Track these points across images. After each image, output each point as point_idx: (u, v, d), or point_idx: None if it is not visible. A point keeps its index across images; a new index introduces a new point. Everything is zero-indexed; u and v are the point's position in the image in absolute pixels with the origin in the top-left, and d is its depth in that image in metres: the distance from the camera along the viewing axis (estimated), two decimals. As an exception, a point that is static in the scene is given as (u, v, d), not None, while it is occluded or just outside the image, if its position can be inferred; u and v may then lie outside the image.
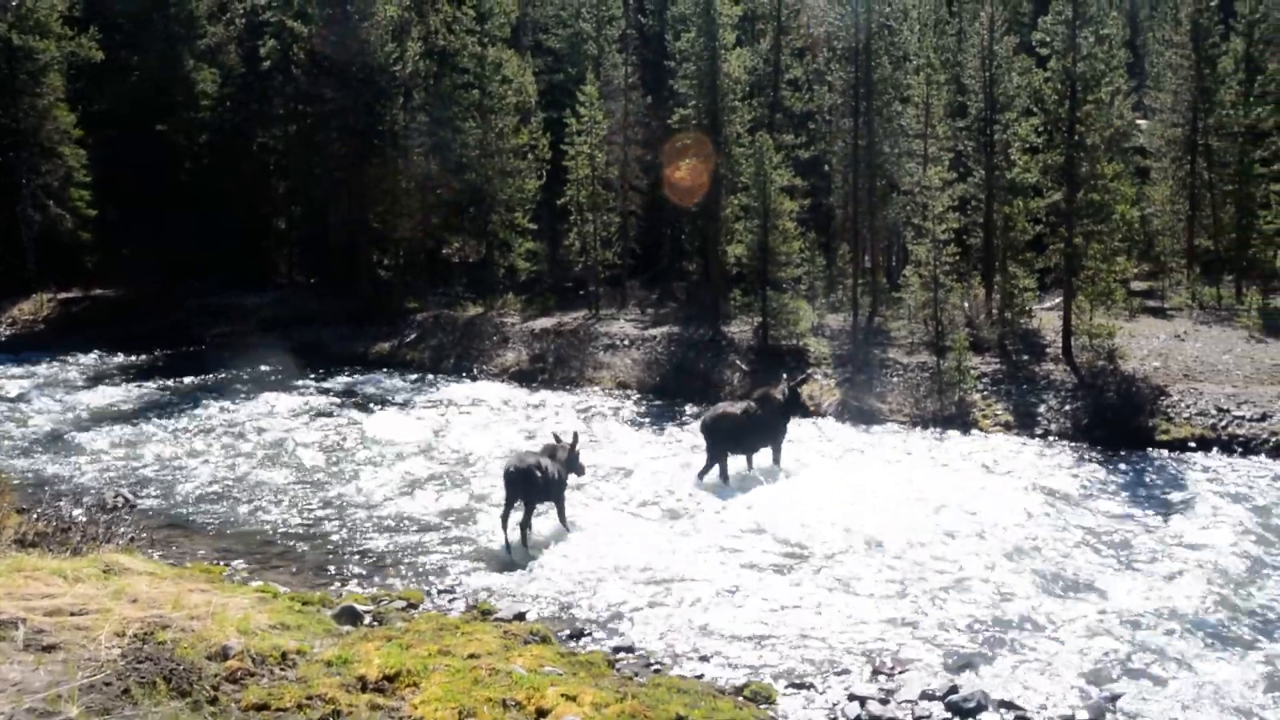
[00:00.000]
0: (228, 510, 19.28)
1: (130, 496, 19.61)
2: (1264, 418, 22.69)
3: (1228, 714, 11.30)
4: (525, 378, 32.71)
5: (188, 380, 32.78)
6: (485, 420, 27.10)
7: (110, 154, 44.14)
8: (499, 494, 19.55)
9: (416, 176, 42.33)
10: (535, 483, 16.86)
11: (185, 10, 47.12)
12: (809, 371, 27.23)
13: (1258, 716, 11.26)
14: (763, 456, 21.57)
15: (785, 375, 23.70)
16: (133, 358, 37.33)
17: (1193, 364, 26.30)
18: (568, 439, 18.41)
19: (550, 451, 17.78)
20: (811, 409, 25.97)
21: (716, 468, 20.60)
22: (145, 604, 11.01)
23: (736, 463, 20.97)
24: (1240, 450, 22.12)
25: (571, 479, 18.29)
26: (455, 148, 41.07)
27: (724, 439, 20.63)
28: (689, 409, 28.01)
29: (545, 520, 17.80)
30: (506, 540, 16.80)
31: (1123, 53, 37.38)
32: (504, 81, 40.67)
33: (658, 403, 29.12)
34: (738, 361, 30.23)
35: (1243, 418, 22.85)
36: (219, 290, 44.77)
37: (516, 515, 16.98)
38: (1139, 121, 41.60)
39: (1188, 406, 23.67)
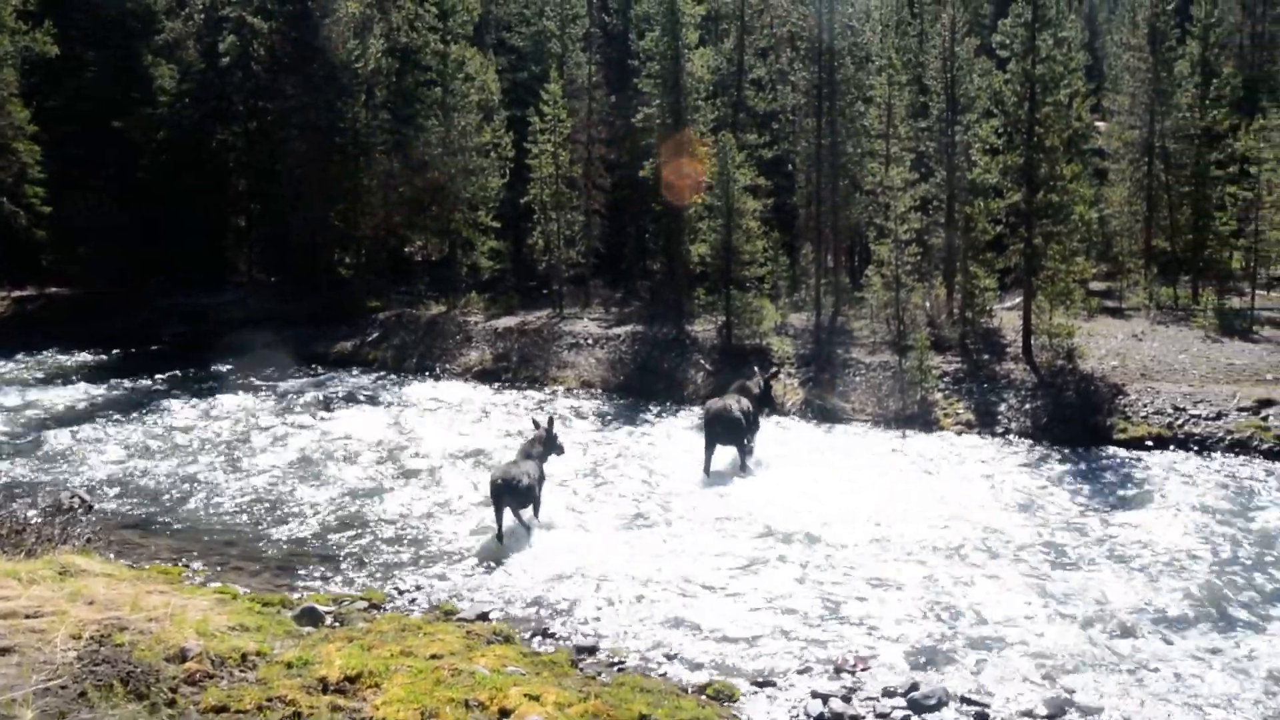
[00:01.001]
0: (187, 511, 19.08)
1: (87, 498, 19.34)
2: (1219, 416, 23.01)
3: (1185, 708, 11.44)
4: (489, 377, 32.60)
5: (146, 380, 32.40)
6: (448, 420, 26.99)
7: (67, 151, 43.52)
8: (460, 491, 19.62)
9: (379, 174, 42.09)
10: (519, 492, 17.14)
11: (143, 5, 46.59)
12: (778, 366, 27.34)
13: (1214, 711, 11.41)
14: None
15: (758, 369, 23.93)
16: (90, 357, 36.87)
17: (1150, 363, 26.63)
18: (545, 424, 18.98)
19: (527, 451, 18.13)
20: (776, 407, 26.03)
21: (715, 459, 21.11)
22: (102, 606, 10.87)
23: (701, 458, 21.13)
24: (1196, 449, 22.41)
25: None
26: (418, 146, 40.91)
27: (722, 433, 21.08)
28: (653, 408, 28.06)
29: (508, 520, 17.80)
30: (499, 533, 16.90)
31: (1081, 55, 37.86)
32: (467, 79, 40.53)
33: (622, 402, 29.11)
34: (701, 361, 30.29)
35: (1199, 416, 23.16)
36: (178, 289, 44.32)
37: (507, 516, 17.14)
38: (1097, 123, 42.07)
39: (1145, 405, 23.96)
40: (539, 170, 37.40)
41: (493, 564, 16.07)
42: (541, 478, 18.01)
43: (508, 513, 17.02)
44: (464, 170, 39.64)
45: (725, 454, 21.53)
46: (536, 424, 19.16)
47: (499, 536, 16.85)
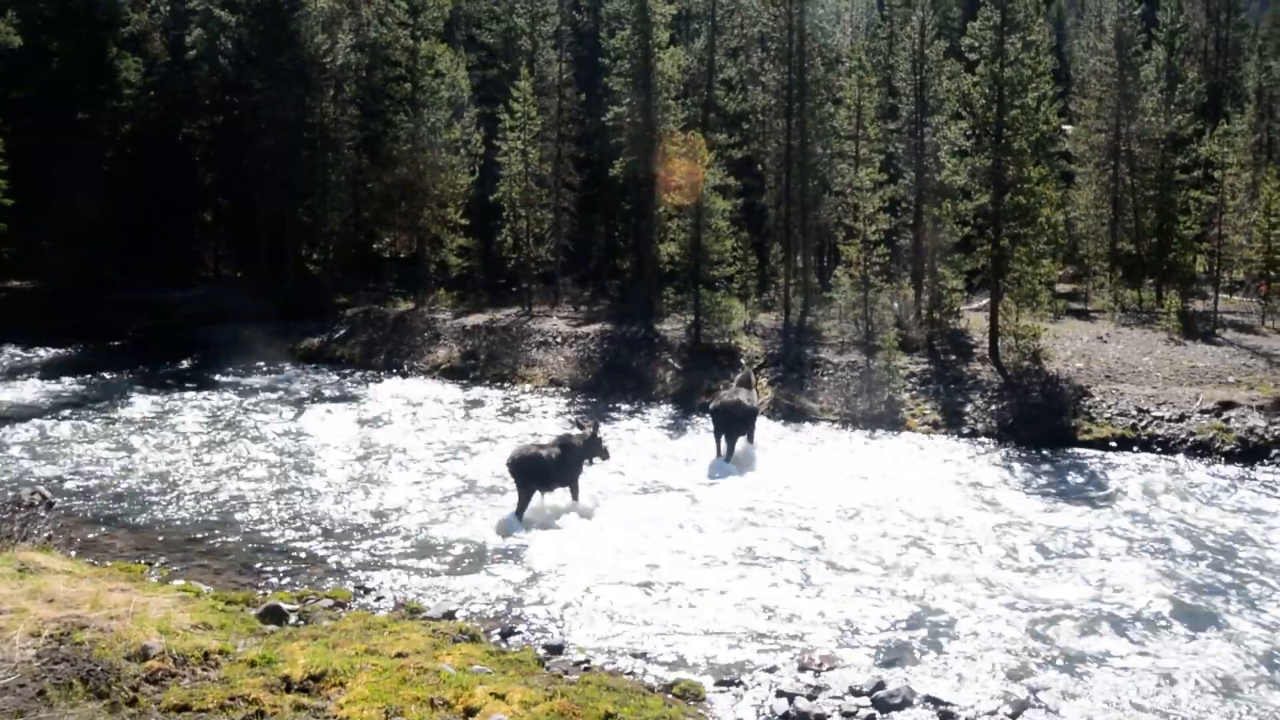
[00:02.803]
0: (150, 508, 18.86)
1: (48, 494, 19.07)
2: (1182, 418, 23.26)
3: (1147, 707, 11.54)
4: (457, 374, 32.47)
5: (109, 376, 32.03)
6: (415, 417, 26.85)
7: (30, 143, 42.90)
8: (426, 489, 19.54)
9: (347, 170, 41.88)
10: (535, 471, 17.94)
11: (107, -4, 46.05)
12: (759, 365, 27.75)
13: (1175, 709, 11.52)
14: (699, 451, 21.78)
15: (744, 363, 24.83)
16: (52, 352, 36.42)
17: (1114, 365, 26.89)
18: (591, 428, 19.74)
19: (563, 441, 18.83)
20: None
21: (694, 453, 22.04)
22: (62, 604, 10.73)
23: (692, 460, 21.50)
24: (1159, 450, 22.64)
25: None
26: (387, 142, 40.71)
27: (730, 425, 21.76)
28: (622, 406, 28.05)
29: (471, 520, 17.79)
30: (520, 513, 17.74)
31: (1049, 59, 38.05)
32: (437, 75, 40.37)
33: (591, 400, 29.05)
34: (670, 360, 30.28)
35: (1162, 418, 23.40)
36: (143, 284, 43.84)
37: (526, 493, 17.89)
38: (1065, 127, 42.43)
39: (1109, 407, 24.18)
40: (509, 167, 37.29)
41: (459, 563, 16.01)
42: (569, 465, 18.51)
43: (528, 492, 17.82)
44: (433, 167, 39.46)
45: (702, 451, 21.72)
46: (581, 425, 20.00)
47: (519, 514, 17.62)
